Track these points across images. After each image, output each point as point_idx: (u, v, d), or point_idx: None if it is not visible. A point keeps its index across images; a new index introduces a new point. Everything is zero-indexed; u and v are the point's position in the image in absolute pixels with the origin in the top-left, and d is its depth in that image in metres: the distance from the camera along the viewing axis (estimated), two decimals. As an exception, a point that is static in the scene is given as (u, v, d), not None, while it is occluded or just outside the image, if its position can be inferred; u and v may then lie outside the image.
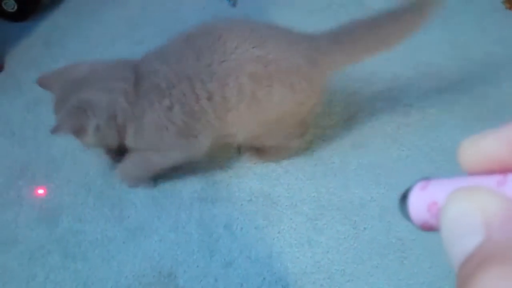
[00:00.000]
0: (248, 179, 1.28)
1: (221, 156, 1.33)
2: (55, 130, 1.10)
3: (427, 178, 0.31)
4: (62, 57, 1.59)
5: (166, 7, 1.75)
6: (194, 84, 1.13)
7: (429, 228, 0.30)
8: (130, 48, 1.60)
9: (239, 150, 1.34)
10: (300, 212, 1.21)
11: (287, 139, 1.28)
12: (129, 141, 1.19)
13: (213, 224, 1.21)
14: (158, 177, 1.28)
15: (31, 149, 1.37)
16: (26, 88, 1.51)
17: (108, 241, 1.20)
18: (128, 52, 1.55)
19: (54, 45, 1.64)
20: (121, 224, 1.22)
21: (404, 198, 0.32)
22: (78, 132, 1.14)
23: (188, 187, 1.28)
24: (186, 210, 1.24)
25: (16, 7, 1.67)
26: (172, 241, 1.19)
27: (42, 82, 1.19)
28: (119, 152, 1.27)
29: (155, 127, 1.16)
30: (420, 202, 0.30)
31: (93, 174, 1.31)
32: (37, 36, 1.67)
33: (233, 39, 1.13)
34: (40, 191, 1.28)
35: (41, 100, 1.45)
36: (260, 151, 1.32)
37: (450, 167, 1.14)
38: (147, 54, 1.21)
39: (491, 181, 0.26)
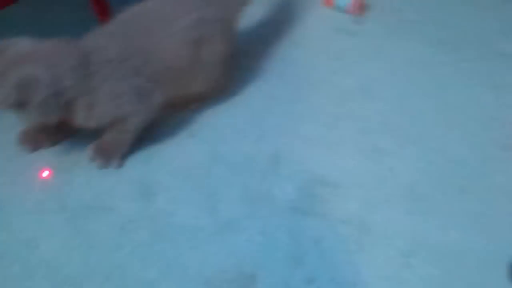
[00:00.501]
0: (347, 199, 1.26)
1: (321, 168, 1.31)
2: None
3: None
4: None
5: (289, 12, 1.75)
6: (146, 56, 1.27)
7: None
8: (247, 47, 1.60)
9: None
10: (394, 245, 1.18)
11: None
12: (79, 118, 1.23)
13: (303, 237, 1.19)
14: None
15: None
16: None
17: (197, 230, 1.20)
18: (245, 50, 1.56)
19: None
20: (213, 216, 1.22)
21: None
22: (20, 107, 1.15)
23: (284, 194, 1.27)
24: (278, 216, 1.23)
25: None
26: (259, 243, 1.18)
27: None
28: (54, 133, 1.34)
29: (111, 98, 1.23)
30: None
31: (196, 161, 1.33)
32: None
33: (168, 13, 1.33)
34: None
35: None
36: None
37: None
38: (88, 34, 1.27)
39: None
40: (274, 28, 1.65)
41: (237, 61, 1.55)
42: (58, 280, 1.13)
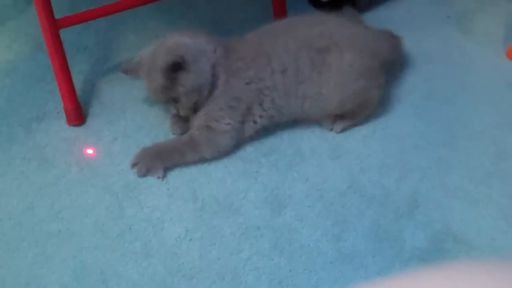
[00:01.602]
0: (479, 263, 1.18)
1: (459, 223, 1.24)
2: (163, 67, 1.26)
3: None
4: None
5: (466, 54, 1.67)
6: (271, 58, 1.33)
7: None
8: (414, 80, 1.55)
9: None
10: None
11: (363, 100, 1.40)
12: (217, 92, 1.32)
13: (423, 290, 1.13)
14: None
15: (285, 135, 1.40)
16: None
17: (317, 254, 1.18)
18: (411, 83, 1.51)
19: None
20: (336, 244, 1.19)
21: None
22: (168, 91, 1.29)
23: (414, 241, 1.21)
24: (402, 262, 1.17)
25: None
26: (376, 285, 1.13)
27: (130, 71, 1.38)
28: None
29: (234, 94, 1.33)
30: None
31: (332, 184, 1.30)
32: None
33: (301, 26, 1.39)
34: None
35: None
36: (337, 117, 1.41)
37: None
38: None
39: None
40: (446, 67, 1.58)
41: (397, 95, 1.51)
42: (173, 267, 1.15)
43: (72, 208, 1.25)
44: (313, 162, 1.35)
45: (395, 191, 1.30)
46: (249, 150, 1.36)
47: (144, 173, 1.30)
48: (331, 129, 1.41)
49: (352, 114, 1.41)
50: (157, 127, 1.41)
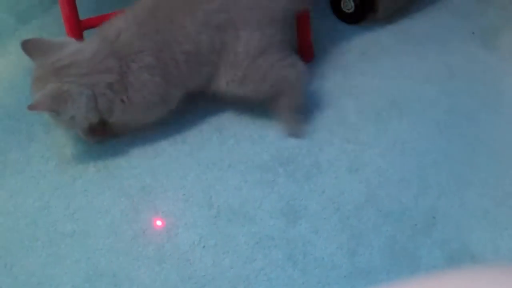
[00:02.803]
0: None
1: (477, 244, 1.22)
2: (32, 108, 1.19)
3: None
4: (370, 72, 1.58)
5: (490, 71, 1.65)
6: (173, 50, 1.27)
7: None
8: (436, 96, 1.53)
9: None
10: None
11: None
12: (115, 118, 1.30)
13: (437, 309, 1.11)
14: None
15: (303, 145, 1.39)
16: (325, 87, 1.53)
17: (331, 267, 1.17)
18: (433, 98, 1.50)
19: (368, 59, 1.63)
20: (351, 258, 1.18)
21: None
22: (54, 112, 1.21)
23: (430, 259, 1.19)
24: (418, 280, 1.16)
25: (353, 9, 1.70)
26: (390, 302, 1.12)
27: (27, 46, 1.25)
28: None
29: (144, 105, 1.30)
30: None
31: (349, 198, 1.29)
32: (357, 45, 1.67)
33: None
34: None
35: (332, 105, 1.47)
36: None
37: None
38: (121, 29, 1.27)
39: None
40: (469, 84, 1.56)
41: (417, 109, 1.49)
42: (185, 273, 1.15)
43: (88, 209, 1.25)
44: (330, 174, 1.34)
45: (413, 207, 1.28)
46: (266, 159, 1.35)
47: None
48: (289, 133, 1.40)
49: (281, 104, 1.39)
50: (173, 129, 1.40)
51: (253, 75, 1.32)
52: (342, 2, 1.71)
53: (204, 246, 1.20)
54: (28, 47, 1.25)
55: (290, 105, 1.39)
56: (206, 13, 1.27)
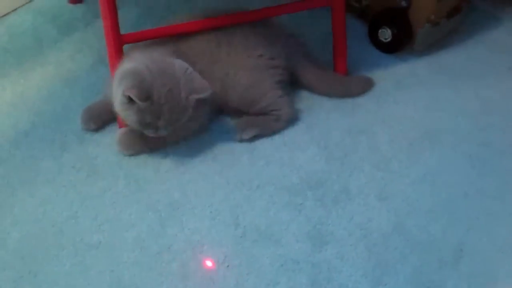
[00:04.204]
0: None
1: (506, 279, 1.19)
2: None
3: None
4: (403, 101, 1.58)
5: None
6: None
7: None
8: (470, 129, 1.52)
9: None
10: None
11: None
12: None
13: None
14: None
15: (333, 170, 1.39)
16: (358, 114, 1.53)
17: (355, 295, 1.16)
18: (467, 132, 1.49)
19: (402, 88, 1.62)
20: (376, 287, 1.17)
21: None
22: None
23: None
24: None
25: (390, 38, 1.70)
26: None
27: None
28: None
29: None
30: None
31: (378, 226, 1.28)
32: (391, 74, 1.67)
33: None
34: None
35: (365, 132, 1.48)
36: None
37: None
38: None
39: None
40: (503, 119, 1.55)
41: (451, 142, 1.48)
42: (207, 292, 1.15)
43: (115, 222, 1.26)
44: (359, 201, 1.33)
45: (441, 239, 1.26)
46: (295, 182, 1.35)
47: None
48: (241, 138, 1.44)
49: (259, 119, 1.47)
50: (204, 147, 1.41)
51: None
52: (379, 31, 1.72)
53: (228, 266, 1.19)
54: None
55: (260, 124, 1.47)
56: None
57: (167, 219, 1.26)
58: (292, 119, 1.49)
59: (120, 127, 1.43)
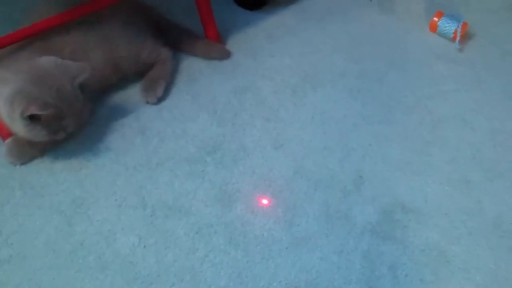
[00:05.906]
0: (428, 228, 1.21)
1: (405, 194, 1.27)
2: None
3: None
4: (278, 52, 1.62)
5: (391, 33, 1.71)
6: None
7: None
8: (345, 64, 1.59)
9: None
10: (472, 280, 1.12)
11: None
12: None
13: (378, 261, 1.16)
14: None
15: (227, 131, 1.41)
16: (239, 73, 1.56)
17: (272, 242, 1.19)
18: (343, 67, 1.55)
19: (275, 40, 1.67)
20: (289, 230, 1.21)
21: None
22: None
23: (364, 216, 1.23)
24: (356, 238, 1.20)
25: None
26: (333, 263, 1.15)
27: None
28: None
29: None
30: None
31: (278, 173, 1.32)
32: (262, 29, 1.71)
33: None
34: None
35: (249, 89, 1.50)
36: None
37: None
38: None
39: None
40: (374, 48, 1.62)
41: (330, 80, 1.54)
42: (130, 276, 1.15)
43: (21, 232, 1.23)
44: (257, 154, 1.36)
45: (340, 171, 1.32)
46: (193, 151, 1.37)
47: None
48: (155, 97, 1.49)
49: (154, 74, 1.53)
50: (94, 139, 1.40)
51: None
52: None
53: (144, 246, 1.20)
54: None
55: (154, 77, 1.53)
56: None
57: (73, 217, 1.25)
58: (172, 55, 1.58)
59: (5, 139, 1.38)
